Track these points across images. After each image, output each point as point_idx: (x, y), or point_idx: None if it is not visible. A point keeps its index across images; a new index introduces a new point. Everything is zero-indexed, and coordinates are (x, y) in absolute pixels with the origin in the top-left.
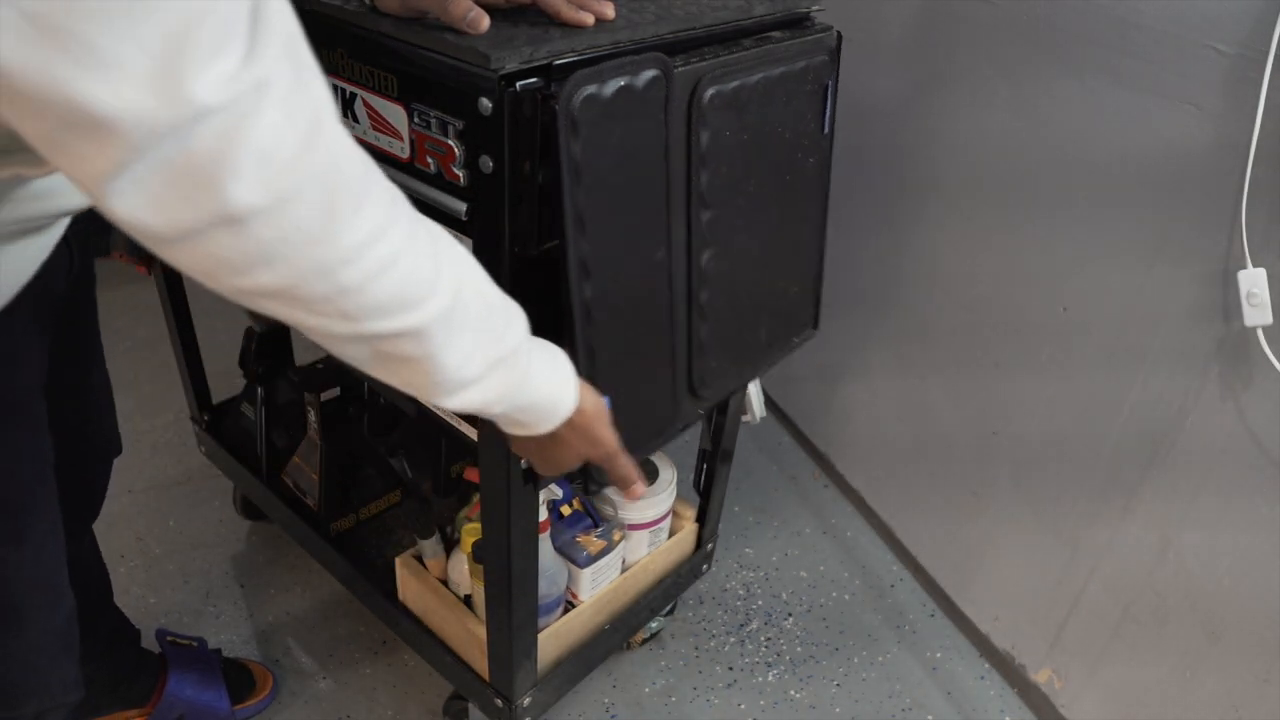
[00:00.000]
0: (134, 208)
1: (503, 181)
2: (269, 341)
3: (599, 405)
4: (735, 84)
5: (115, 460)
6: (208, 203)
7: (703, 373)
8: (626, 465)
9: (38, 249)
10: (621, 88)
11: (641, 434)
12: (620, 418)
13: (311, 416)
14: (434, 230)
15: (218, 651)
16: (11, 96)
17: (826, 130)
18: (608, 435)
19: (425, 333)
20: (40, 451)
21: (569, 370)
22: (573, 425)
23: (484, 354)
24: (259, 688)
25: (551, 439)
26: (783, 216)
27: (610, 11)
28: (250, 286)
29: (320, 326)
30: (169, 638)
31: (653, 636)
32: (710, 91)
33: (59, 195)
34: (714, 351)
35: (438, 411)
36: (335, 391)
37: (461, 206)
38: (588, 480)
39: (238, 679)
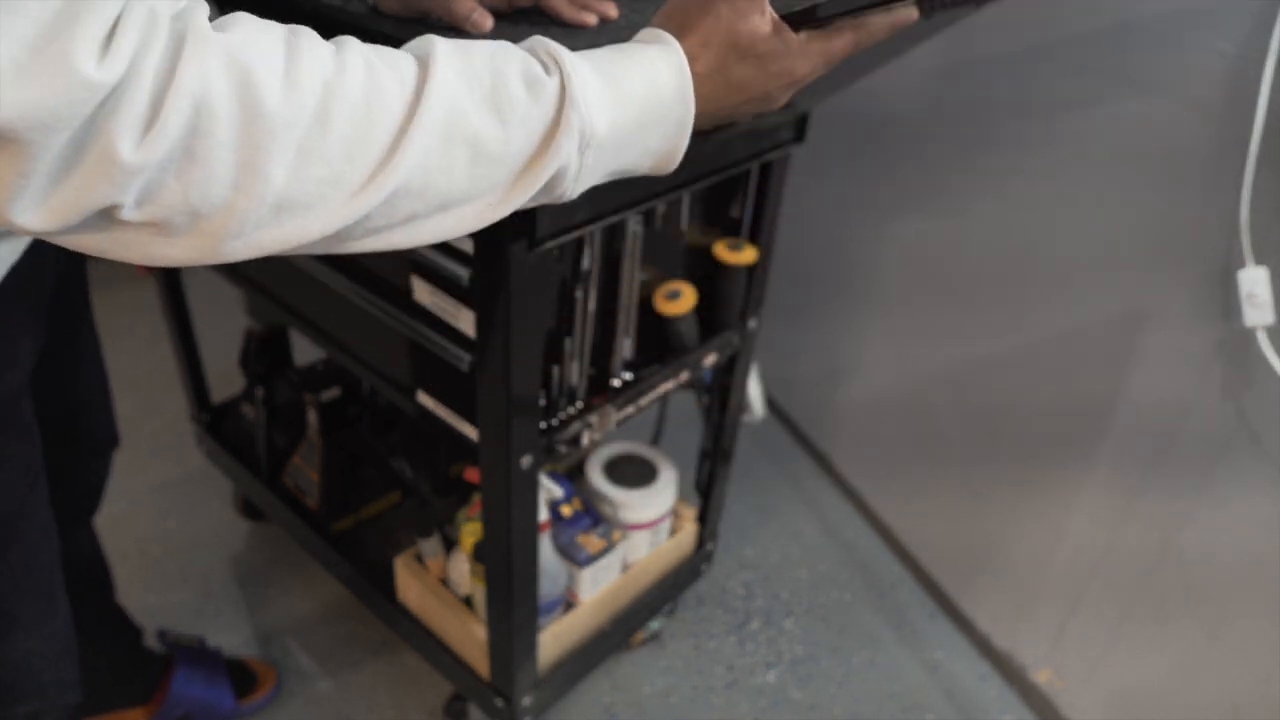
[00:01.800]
0: (45, 217)
1: None
2: (269, 341)
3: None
4: None
5: (116, 459)
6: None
7: None
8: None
9: (9, 250)
10: None
11: None
12: None
13: (311, 416)
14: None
15: (218, 650)
16: None
17: None
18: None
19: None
20: (29, 456)
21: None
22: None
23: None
24: (261, 683)
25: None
26: None
27: (613, 11)
28: (223, 250)
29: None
30: (170, 637)
31: (653, 636)
32: None
33: None
34: None
35: (437, 411)
36: (335, 391)
37: None
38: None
39: (240, 676)
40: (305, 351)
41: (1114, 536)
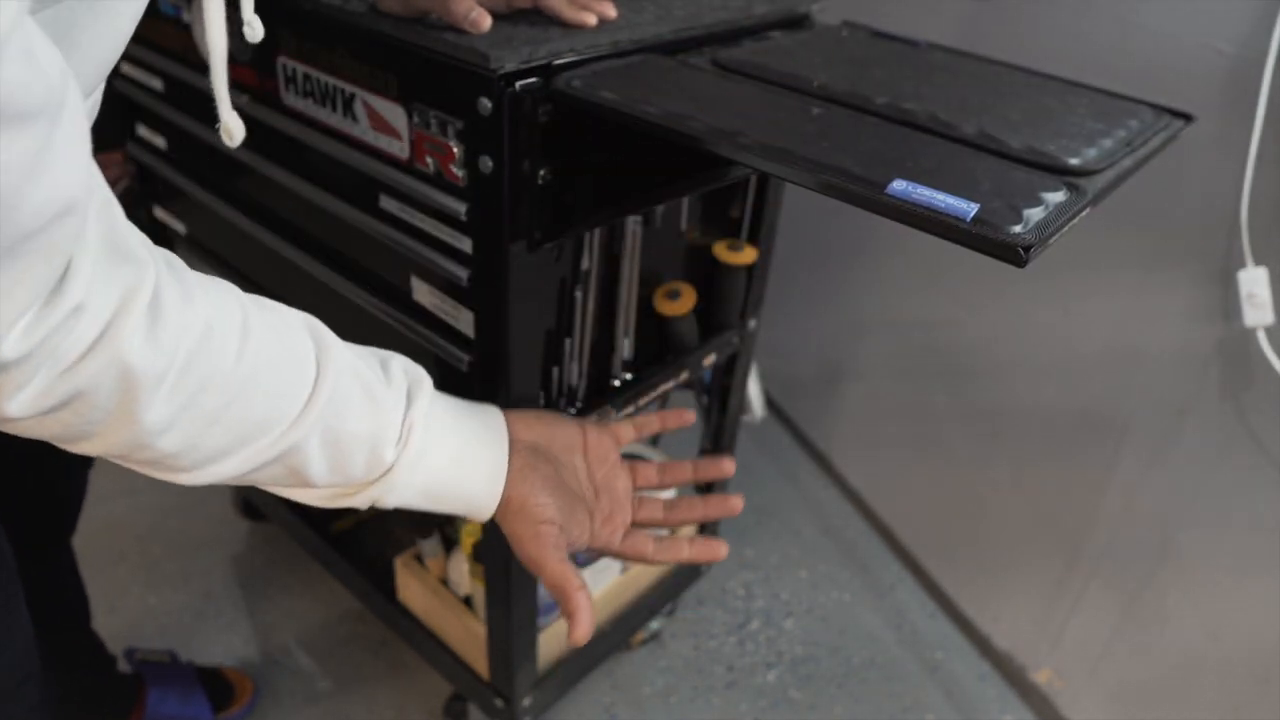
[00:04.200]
0: None
1: (502, 181)
2: None
3: (527, 502)
4: None
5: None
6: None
7: None
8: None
9: None
10: None
11: None
12: None
13: None
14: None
15: (189, 664)
16: None
17: None
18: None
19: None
20: None
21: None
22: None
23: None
24: (238, 694)
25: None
26: None
27: (612, 11)
28: (89, 452)
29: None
30: (138, 655)
31: (653, 636)
32: None
33: None
34: None
35: None
36: None
37: (461, 207)
38: None
39: (215, 688)
40: None
41: (1114, 536)
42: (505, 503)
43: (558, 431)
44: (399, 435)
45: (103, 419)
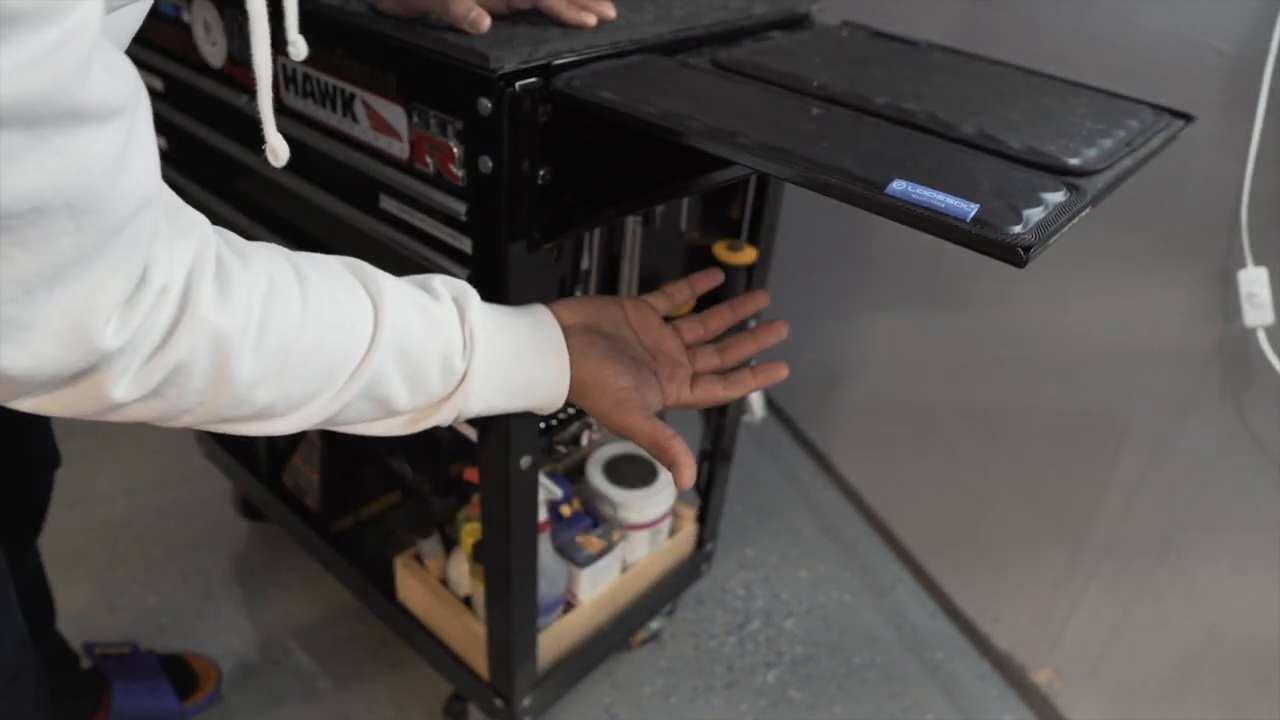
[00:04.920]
0: (35, 406)
1: (502, 181)
2: None
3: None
4: None
5: (117, 459)
6: (99, 401)
7: None
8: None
9: None
10: None
11: None
12: None
13: None
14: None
15: (151, 651)
16: None
17: None
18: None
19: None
20: None
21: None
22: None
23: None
24: (203, 680)
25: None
26: None
27: (611, 11)
28: (192, 423)
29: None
30: (98, 650)
31: (653, 636)
32: None
33: None
34: None
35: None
36: None
37: (461, 207)
38: None
39: (180, 675)
40: None
41: (1114, 536)
42: (577, 384)
43: (602, 310)
44: (463, 343)
45: (203, 386)
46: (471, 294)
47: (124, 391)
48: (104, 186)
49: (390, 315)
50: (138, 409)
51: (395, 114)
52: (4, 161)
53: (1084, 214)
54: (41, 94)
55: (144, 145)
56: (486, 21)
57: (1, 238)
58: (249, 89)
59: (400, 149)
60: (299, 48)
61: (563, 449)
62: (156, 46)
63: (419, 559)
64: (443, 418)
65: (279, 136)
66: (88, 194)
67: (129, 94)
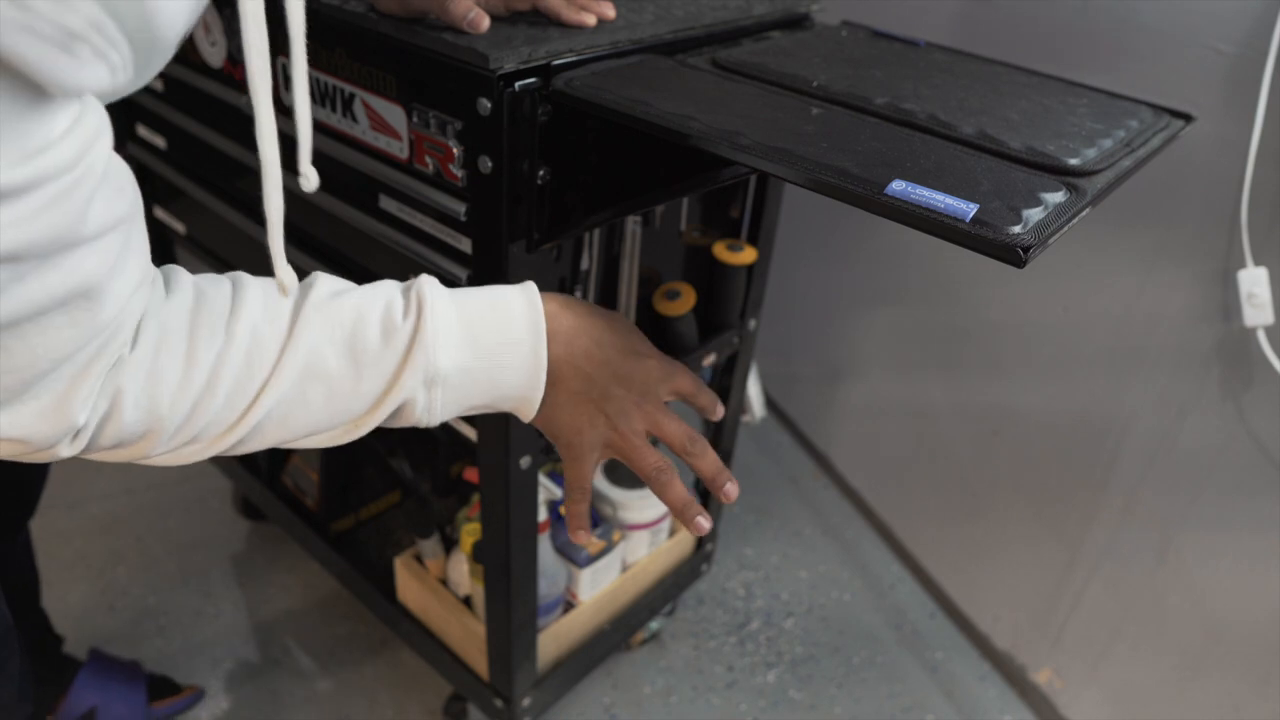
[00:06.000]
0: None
1: (501, 181)
2: None
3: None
4: None
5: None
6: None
7: None
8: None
9: None
10: None
11: None
12: None
13: None
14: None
15: (136, 663)
16: None
17: None
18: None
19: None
20: None
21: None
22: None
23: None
24: (182, 693)
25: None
26: None
27: (611, 12)
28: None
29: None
30: (98, 653)
31: (653, 637)
32: None
33: None
34: None
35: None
36: None
37: (460, 207)
38: None
39: (160, 686)
40: None
41: (1114, 536)
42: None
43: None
44: (406, 303)
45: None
46: (426, 277)
47: (69, 450)
48: (99, 290)
49: (319, 295)
50: (89, 453)
51: (395, 114)
52: (11, 284)
53: (1083, 214)
54: (50, 235)
55: (138, 245)
56: (486, 22)
57: (1, 336)
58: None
59: (400, 149)
60: (310, 180)
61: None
62: None
63: (419, 559)
64: (410, 388)
65: (289, 270)
66: (84, 298)
67: (127, 207)
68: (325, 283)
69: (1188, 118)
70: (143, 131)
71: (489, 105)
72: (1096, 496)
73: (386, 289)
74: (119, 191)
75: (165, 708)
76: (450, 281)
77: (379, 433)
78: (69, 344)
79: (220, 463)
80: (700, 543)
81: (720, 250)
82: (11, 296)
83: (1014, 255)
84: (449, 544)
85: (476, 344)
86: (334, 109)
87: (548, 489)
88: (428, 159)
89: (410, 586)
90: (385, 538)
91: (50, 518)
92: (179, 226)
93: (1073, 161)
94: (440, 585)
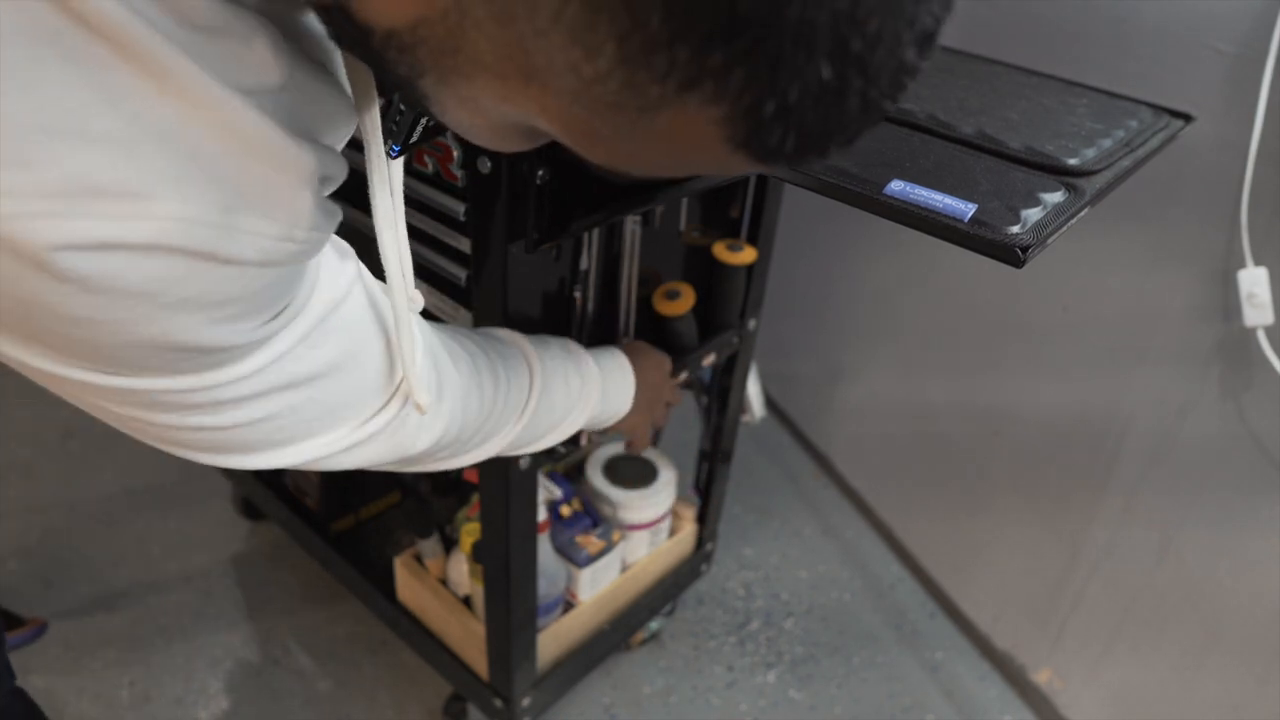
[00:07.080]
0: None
1: (500, 182)
2: None
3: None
4: None
5: (117, 459)
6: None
7: None
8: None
9: None
10: None
11: None
12: None
13: None
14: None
15: None
16: None
17: None
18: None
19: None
20: None
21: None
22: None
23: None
24: (26, 625)
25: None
26: None
27: None
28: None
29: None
30: None
31: (652, 636)
32: None
33: None
34: None
35: None
36: None
37: (460, 207)
38: None
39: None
40: None
41: (1114, 536)
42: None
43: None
44: (585, 358)
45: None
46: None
47: (416, 451)
48: (359, 329)
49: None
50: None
51: None
52: (303, 348)
53: (1082, 214)
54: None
55: (364, 271)
56: None
57: (313, 385)
58: None
59: None
60: (416, 301)
61: (562, 449)
62: None
63: (419, 559)
64: (592, 392)
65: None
66: (356, 346)
67: (351, 253)
68: (535, 357)
69: (1187, 118)
70: None
71: None
72: (1096, 496)
73: (581, 364)
74: (345, 253)
75: (14, 638)
76: (451, 281)
77: None
78: (353, 388)
79: None
80: (700, 543)
81: (720, 250)
82: (309, 355)
83: (1012, 255)
84: (449, 544)
85: (607, 400)
86: None
87: (547, 489)
88: (427, 159)
89: (410, 586)
90: (385, 538)
91: (50, 517)
92: None
93: (1072, 161)
94: (440, 585)
